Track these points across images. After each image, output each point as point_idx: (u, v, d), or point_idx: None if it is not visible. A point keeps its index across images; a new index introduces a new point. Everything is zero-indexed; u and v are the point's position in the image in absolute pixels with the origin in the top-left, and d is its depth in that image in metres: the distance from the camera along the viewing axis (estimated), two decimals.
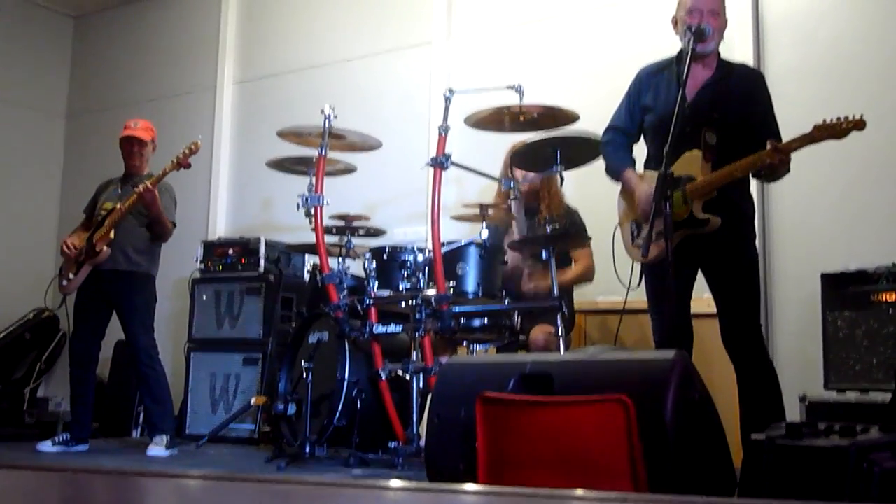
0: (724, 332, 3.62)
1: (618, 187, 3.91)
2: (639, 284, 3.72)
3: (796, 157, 3.44)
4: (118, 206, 4.97)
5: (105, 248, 4.94)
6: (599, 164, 4.03)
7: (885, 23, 4.69)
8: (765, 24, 5.02)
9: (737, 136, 3.59)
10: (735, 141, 3.57)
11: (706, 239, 3.56)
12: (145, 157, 5.27)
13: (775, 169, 3.43)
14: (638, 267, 3.73)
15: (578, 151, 4.25)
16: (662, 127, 3.48)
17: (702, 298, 3.79)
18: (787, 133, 3.46)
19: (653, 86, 3.79)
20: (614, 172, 3.88)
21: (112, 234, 4.95)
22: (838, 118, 3.27)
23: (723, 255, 3.61)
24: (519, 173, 4.72)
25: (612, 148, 3.89)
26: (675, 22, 3.76)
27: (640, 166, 3.88)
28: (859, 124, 3.24)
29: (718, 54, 3.74)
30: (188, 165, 4.89)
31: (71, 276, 5.04)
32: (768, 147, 3.37)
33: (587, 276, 4.76)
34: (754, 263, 3.72)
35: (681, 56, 3.75)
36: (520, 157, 4.51)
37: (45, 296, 6.49)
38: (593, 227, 4.74)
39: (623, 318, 4.09)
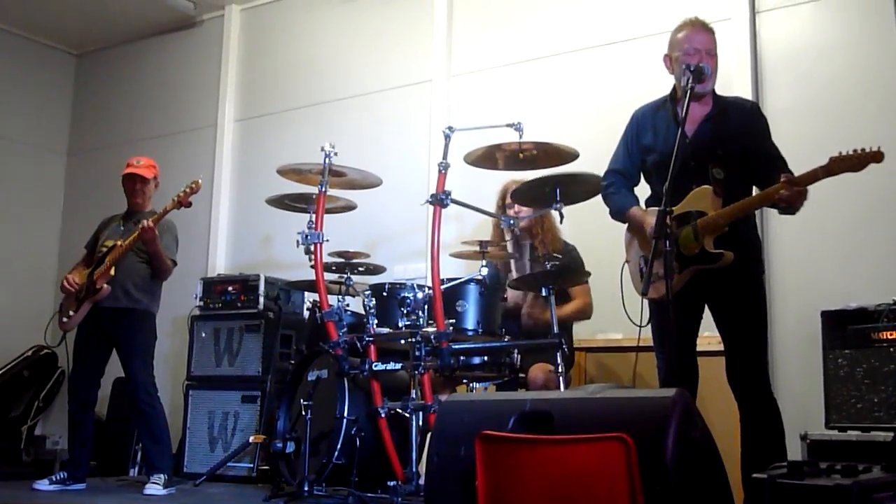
0: (729, 369, 3.60)
1: (617, 225, 3.91)
2: (648, 322, 3.69)
3: None
4: (119, 243, 4.98)
5: (105, 285, 4.94)
6: (597, 201, 4.02)
7: (882, 61, 4.72)
8: (763, 63, 5.05)
9: (741, 168, 3.60)
10: (740, 173, 3.59)
11: (717, 275, 3.53)
12: (148, 195, 5.29)
13: (793, 202, 3.38)
14: (647, 304, 3.71)
15: (577, 188, 4.24)
16: (666, 165, 3.40)
17: (702, 336, 3.77)
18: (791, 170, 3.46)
19: (651, 126, 3.79)
20: (620, 213, 3.85)
21: (113, 272, 4.95)
22: (855, 150, 3.19)
23: (733, 291, 3.59)
24: (513, 211, 4.73)
25: (613, 190, 3.88)
26: (667, 60, 3.77)
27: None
28: (877, 156, 3.16)
29: (713, 89, 3.75)
30: (189, 204, 4.90)
31: (71, 312, 5.03)
32: (782, 180, 3.33)
33: (585, 312, 4.73)
34: (763, 300, 3.71)
35: (674, 94, 3.77)
36: (520, 195, 4.51)
37: (45, 333, 6.48)
38: (591, 265, 4.73)
39: (619, 354, 4.06)
